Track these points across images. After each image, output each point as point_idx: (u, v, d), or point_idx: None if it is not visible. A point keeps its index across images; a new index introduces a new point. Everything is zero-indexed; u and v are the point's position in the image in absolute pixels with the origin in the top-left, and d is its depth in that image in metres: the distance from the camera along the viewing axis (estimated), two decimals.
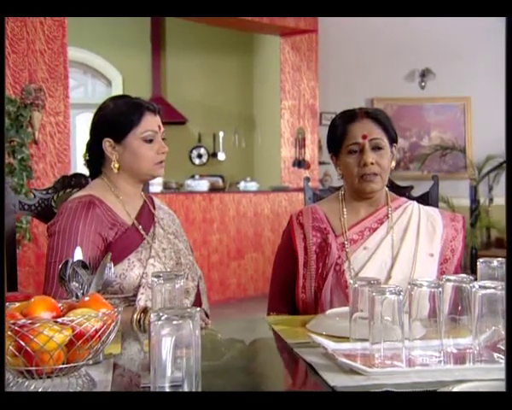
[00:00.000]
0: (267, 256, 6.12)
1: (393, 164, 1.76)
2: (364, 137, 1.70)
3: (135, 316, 1.52)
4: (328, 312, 1.51)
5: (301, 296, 1.71)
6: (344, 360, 1.11)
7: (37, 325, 0.93)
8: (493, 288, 1.11)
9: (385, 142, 1.72)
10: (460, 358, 1.16)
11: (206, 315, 1.86)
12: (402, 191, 2.06)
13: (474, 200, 6.99)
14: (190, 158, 7.81)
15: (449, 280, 1.21)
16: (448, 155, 7.51)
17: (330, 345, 1.23)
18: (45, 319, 0.95)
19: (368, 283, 1.20)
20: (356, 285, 1.21)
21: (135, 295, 1.67)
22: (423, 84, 7.48)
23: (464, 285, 1.19)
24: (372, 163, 1.68)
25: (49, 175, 4.35)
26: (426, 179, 7.27)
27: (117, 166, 1.75)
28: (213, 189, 6.13)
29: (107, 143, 1.74)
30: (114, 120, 1.74)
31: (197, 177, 6.88)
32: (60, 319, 0.95)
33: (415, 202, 1.81)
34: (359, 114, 1.74)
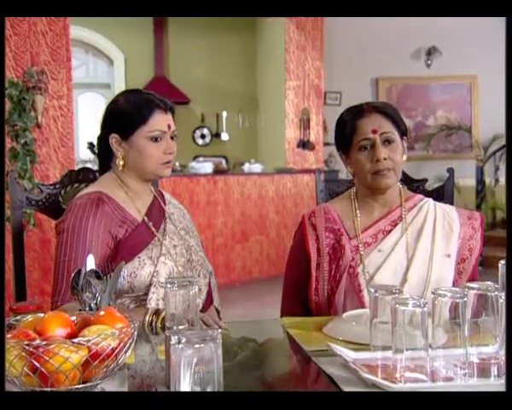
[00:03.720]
0: (272, 239, 6.10)
1: (405, 157, 1.72)
2: (374, 131, 1.65)
3: (147, 318, 1.49)
4: (345, 315, 1.47)
5: (314, 299, 1.67)
6: (367, 375, 1.08)
7: (52, 346, 0.90)
8: None
9: (396, 135, 1.68)
10: (484, 369, 1.13)
11: (218, 312, 1.83)
12: (415, 184, 2.02)
13: (481, 181, 6.93)
14: (193, 138, 7.76)
15: (472, 288, 1.17)
16: (454, 134, 7.45)
17: (350, 354, 1.20)
18: (60, 339, 0.92)
19: (389, 292, 1.17)
20: (377, 294, 1.17)
21: (146, 294, 1.64)
22: (429, 62, 7.39)
23: (489, 294, 1.15)
24: (385, 158, 1.64)
25: (52, 159, 4.30)
26: (431, 159, 7.30)
27: (122, 163, 1.70)
28: (217, 171, 6.08)
29: (113, 139, 1.70)
30: (122, 116, 1.69)
31: (201, 159, 6.83)
32: (76, 340, 0.92)
33: (430, 200, 1.77)
34: (367, 109, 1.69)
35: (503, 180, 7.14)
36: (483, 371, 1.13)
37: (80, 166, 5.79)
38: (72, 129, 4.46)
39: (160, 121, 1.68)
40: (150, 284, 1.64)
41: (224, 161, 7.10)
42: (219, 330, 0.87)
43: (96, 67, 7.89)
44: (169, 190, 4.83)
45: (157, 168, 1.71)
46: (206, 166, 5.97)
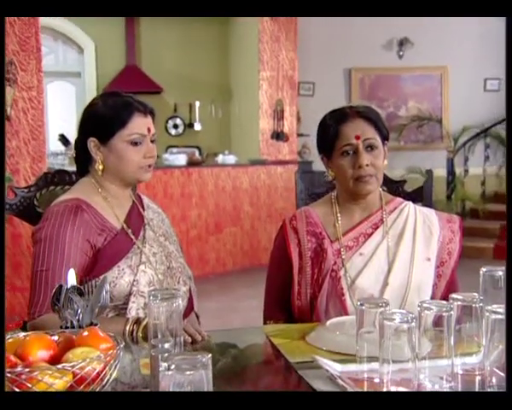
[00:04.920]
0: (246, 230, 6.09)
1: (386, 162, 1.72)
2: (357, 137, 1.65)
3: (127, 328, 1.47)
4: (329, 323, 1.47)
5: (297, 303, 1.67)
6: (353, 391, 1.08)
7: (35, 373, 0.87)
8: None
9: (378, 141, 1.67)
10: (469, 382, 1.14)
11: (197, 317, 1.82)
12: (395, 186, 2.03)
13: (451, 172, 7.02)
14: (166, 128, 7.66)
15: (457, 300, 1.18)
16: (425, 125, 7.52)
17: (336, 367, 1.20)
18: (44, 365, 0.89)
19: (376, 305, 1.16)
20: (363, 308, 1.17)
21: (125, 303, 1.61)
22: (401, 53, 7.43)
23: (474, 305, 1.16)
24: (367, 165, 1.64)
25: (22, 153, 4.20)
26: (403, 150, 7.36)
27: (101, 167, 1.66)
28: (191, 163, 6.03)
29: (92, 143, 1.66)
30: (100, 119, 1.64)
31: (174, 150, 6.75)
32: (60, 365, 0.89)
33: (410, 203, 1.77)
34: (350, 114, 1.67)
35: (472, 171, 7.24)
36: (468, 383, 1.14)
37: (51, 159, 5.62)
38: (43, 121, 4.35)
39: (139, 125, 1.65)
40: (130, 294, 1.61)
41: (197, 152, 7.03)
42: (209, 356, 0.85)
43: (65, 55, 7.69)
44: (143, 183, 4.77)
45: (137, 172, 1.68)
46: (180, 158, 5.91)
